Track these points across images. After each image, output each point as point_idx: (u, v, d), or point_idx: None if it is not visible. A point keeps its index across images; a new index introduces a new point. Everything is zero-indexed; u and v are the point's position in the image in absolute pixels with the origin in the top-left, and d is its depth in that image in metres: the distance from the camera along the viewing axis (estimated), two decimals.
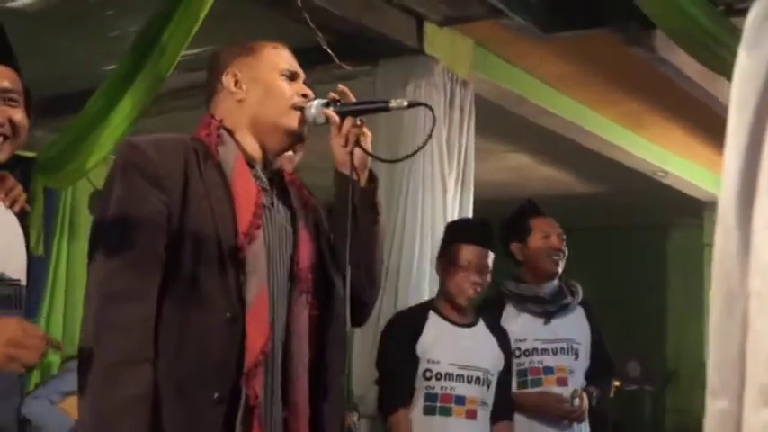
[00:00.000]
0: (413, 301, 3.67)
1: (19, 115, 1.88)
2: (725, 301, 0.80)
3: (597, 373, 3.45)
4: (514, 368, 3.27)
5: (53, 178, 3.85)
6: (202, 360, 1.69)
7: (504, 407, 3.17)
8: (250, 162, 1.84)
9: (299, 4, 3.39)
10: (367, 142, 1.89)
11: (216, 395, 1.68)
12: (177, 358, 1.68)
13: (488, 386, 3.11)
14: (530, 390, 3.30)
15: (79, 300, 4.40)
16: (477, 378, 3.08)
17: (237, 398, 1.69)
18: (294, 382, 1.79)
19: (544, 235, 3.41)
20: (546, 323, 3.36)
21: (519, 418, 3.24)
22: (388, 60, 4.09)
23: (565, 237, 3.46)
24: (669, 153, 6.36)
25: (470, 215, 4.13)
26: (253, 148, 1.86)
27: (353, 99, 1.90)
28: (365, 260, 1.91)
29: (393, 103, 1.87)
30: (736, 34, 3.32)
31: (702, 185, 6.89)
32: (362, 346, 3.73)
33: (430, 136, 1.92)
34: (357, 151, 1.87)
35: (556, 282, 3.42)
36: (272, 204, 1.86)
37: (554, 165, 6.72)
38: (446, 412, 3.04)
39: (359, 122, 1.87)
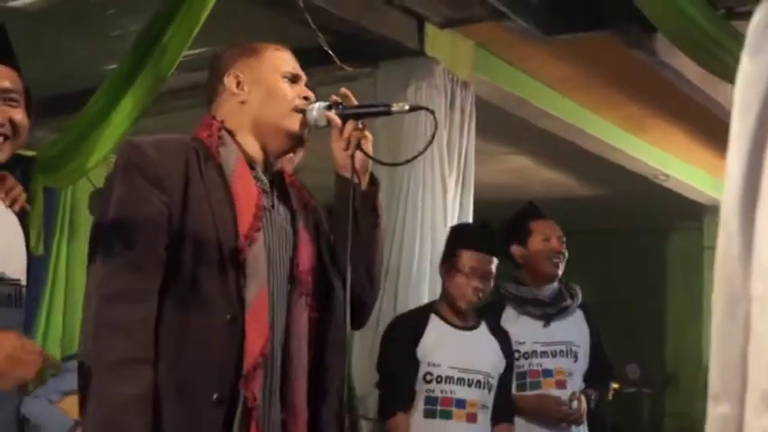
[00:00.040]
0: (412, 303, 3.67)
1: (19, 115, 1.88)
2: (727, 305, 0.80)
3: (596, 375, 3.45)
4: (513, 371, 3.26)
5: (53, 177, 3.85)
6: (202, 361, 1.69)
7: (504, 409, 3.16)
8: (251, 163, 1.84)
9: (301, 4, 3.39)
10: (368, 145, 1.89)
11: (215, 396, 1.68)
12: (177, 359, 1.68)
13: (489, 390, 3.11)
14: (528, 392, 3.30)
15: (79, 299, 4.40)
16: (478, 381, 3.08)
17: (237, 399, 1.69)
18: (293, 383, 1.79)
19: (545, 237, 3.41)
20: (545, 326, 3.36)
21: (518, 420, 3.24)
22: (389, 62, 4.09)
23: (565, 239, 3.46)
24: (670, 156, 6.36)
25: (470, 217, 4.13)
26: (254, 150, 1.86)
27: (355, 102, 1.90)
28: (365, 262, 1.91)
29: (395, 107, 1.87)
30: (736, 38, 3.32)
31: (703, 189, 6.89)
32: (362, 348, 3.73)
33: (431, 141, 1.93)
34: (358, 154, 1.87)
35: (556, 284, 3.42)
36: (273, 206, 1.86)
37: (555, 167, 6.73)
38: (446, 416, 3.04)
39: (360, 126, 1.88)
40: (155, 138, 1.81)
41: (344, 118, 1.87)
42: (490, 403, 3.11)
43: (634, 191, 6.95)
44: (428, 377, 3.06)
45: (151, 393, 1.65)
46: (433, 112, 1.94)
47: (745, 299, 0.78)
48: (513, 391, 3.26)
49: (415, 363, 3.07)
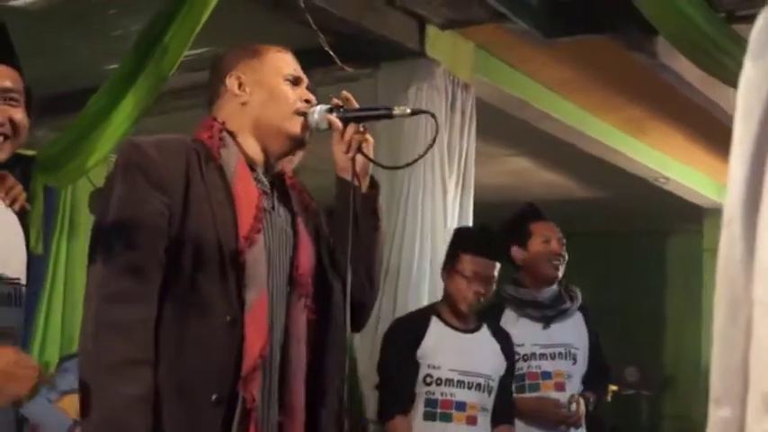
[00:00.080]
0: (412, 305, 3.66)
1: (19, 115, 1.88)
2: (729, 309, 0.80)
3: (594, 378, 3.45)
4: (514, 373, 3.26)
5: (53, 176, 3.85)
6: (202, 362, 1.70)
7: (504, 411, 3.16)
8: (251, 165, 1.85)
9: (302, 5, 3.39)
10: (369, 149, 1.89)
11: (214, 397, 1.69)
12: (177, 359, 1.69)
13: (489, 392, 3.11)
14: (527, 395, 3.30)
15: (78, 299, 4.41)
16: (478, 384, 3.07)
17: (236, 400, 1.69)
18: (291, 385, 1.80)
19: (545, 239, 3.41)
20: (545, 328, 3.36)
21: (517, 423, 3.24)
22: (390, 63, 4.09)
23: (565, 241, 3.46)
24: (670, 159, 6.36)
25: (470, 218, 4.13)
26: (254, 151, 1.86)
27: (356, 105, 1.91)
28: (365, 264, 1.91)
29: (396, 111, 1.88)
30: (737, 41, 3.32)
31: (703, 192, 6.90)
32: (362, 350, 3.73)
33: (431, 145, 1.93)
34: (359, 157, 1.88)
35: (555, 287, 3.42)
36: (273, 208, 1.86)
37: (555, 169, 6.73)
38: (446, 418, 3.04)
39: (362, 129, 1.88)
40: (156, 138, 1.81)
41: (346, 121, 1.87)
42: (490, 406, 3.11)
43: (634, 193, 6.95)
44: (428, 379, 3.05)
45: (151, 394, 1.65)
46: (434, 116, 1.94)
47: (746, 303, 0.78)
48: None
49: (415, 365, 3.06)
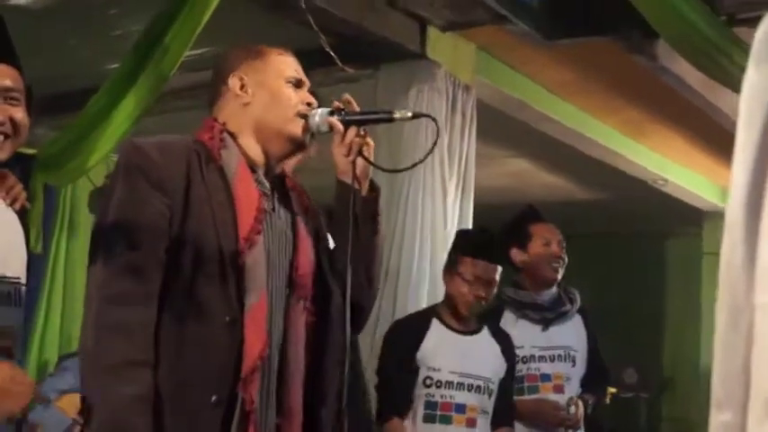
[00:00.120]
0: (412, 306, 3.66)
1: (20, 114, 1.87)
2: (730, 314, 0.80)
3: (593, 380, 3.45)
4: (515, 375, 3.26)
5: (53, 175, 3.85)
6: (201, 363, 1.70)
7: (504, 413, 3.15)
8: (252, 166, 1.85)
9: (303, 6, 3.39)
10: (370, 152, 1.90)
11: (214, 398, 1.69)
12: (177, 360, 1.69)
13: (489, 395, 3.10)
14: (526, 397, 3.29)
15: (77, 298, 4.41)
16: (478, 387, 3.07)
17: (235, 401, 1.69)
18: (289, 387, 1.80)
19: (545, 242, 3.40)
20: (544, 330, 3.36)
21: (515, 425, 3.24)
22: (391, 64, 4.09)
23: (565, 243, 3.45)
24: (669, 162, 6.37)
25: (470, 220, 4.13)
26: (255, 153, 1.86)
27: (357, 108, 1.91)
28: (364, 266, 1.91)
29: (397, 114, 1.88)
30: (737, 44, 3.32)
31: (702, 195, 6.90)
32: (361, 352, 3.72)
33: (432, 149, 1.93)
34: (359, 160, 1.88)
35: (555, 289, 3.42)
36: (273, 209, 1.86)
37: (555, 171, 6.73)
38: (446, 420, 3.03)
39: (362, 132, 1.88)
40: (157, 139, 1.81)
41: (347, 124, 1.88)
42: (490, 408, 3.11)
43: (634, 195, 6.95)
44: (428, 381, 3.05)
45: (151, 394, 1.65)
46: (435, 120, 1.94)
47: (748, 308, 0.78)
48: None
49: (415, 367, 3.06)
